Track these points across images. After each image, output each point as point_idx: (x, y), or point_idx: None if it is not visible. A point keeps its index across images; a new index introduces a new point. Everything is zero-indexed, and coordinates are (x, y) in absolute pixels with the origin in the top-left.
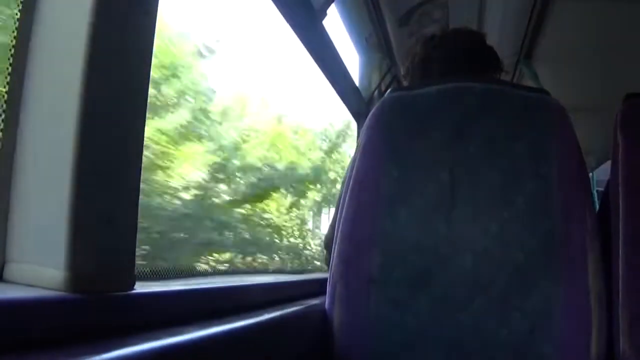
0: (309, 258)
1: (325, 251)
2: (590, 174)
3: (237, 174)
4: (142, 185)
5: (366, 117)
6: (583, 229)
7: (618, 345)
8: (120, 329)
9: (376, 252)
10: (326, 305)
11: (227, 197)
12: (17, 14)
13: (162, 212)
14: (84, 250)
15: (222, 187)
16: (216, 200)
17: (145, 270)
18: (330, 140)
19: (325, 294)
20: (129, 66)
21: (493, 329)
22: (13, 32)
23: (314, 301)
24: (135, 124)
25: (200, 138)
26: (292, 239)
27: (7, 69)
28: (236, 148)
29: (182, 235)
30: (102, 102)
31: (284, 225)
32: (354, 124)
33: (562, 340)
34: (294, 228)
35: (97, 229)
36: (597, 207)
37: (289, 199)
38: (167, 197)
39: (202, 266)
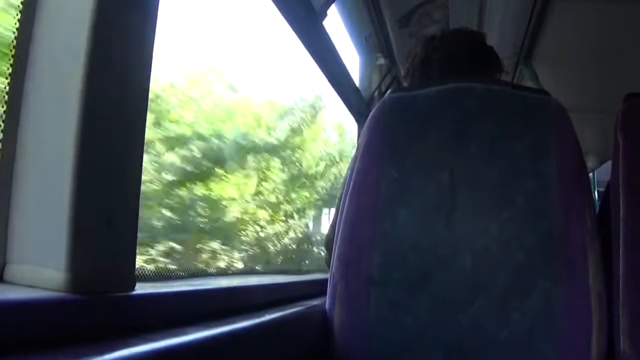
0: (273, 254)
1: (325, 252)
2: (591, 175)
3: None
4: None
5: (366, 117)
6: (583, 229)
7: (618, 345)
8: (120, 329)
9: (376, 253)
10: (326, 306)
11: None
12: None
13: None
14: (85, 252)
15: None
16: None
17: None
18: (300, 115)
19: (326, 294)
20: (129, 67)
21: (493, 330)
22: (13, 32)
23: (315, 302)
24: (135, 125)
25: None
26: (252, 230)
27: (8, 70)
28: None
29: None
30: (103, 103)
31: (245, 212)
32: (326, 96)
33: (562, 341)
34: (258, 215)
35: (97, 230)
36: (598, 207)
37: (252, 179)
38: None
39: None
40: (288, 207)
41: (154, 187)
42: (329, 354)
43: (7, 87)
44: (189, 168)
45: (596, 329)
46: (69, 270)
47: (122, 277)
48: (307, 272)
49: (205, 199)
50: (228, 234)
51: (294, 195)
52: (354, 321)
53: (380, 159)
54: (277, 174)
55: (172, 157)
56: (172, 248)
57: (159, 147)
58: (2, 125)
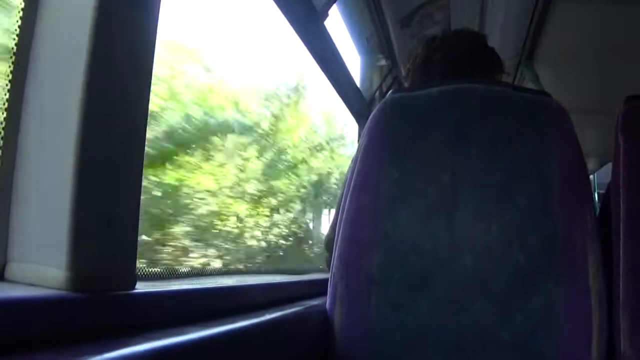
0: (256, 252)
1: (326, 252)
2: (591, 177)
3: None
4: None
5: (367, 118)
6: (584, 230)
7: (619, 346)
8: (121, 328)
9: (377, 253)
10: (327, 306)
11: None
12: (19, 12)
13: None
14: (85, 250)
15: None
16: None
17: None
18: (283, 99)
19: (326, 294)
20: (130, 68)
21: (494, 330)
22: (15, 31)
23: (315, 302)
24: (137, 124)
25: None
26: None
27: (9, 70)
28: None
29: None
30: (104, 103)
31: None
32: (311, 81)
33: (563, 341)
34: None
35: (98, 229)
36: (598, 209)
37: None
38: None
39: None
40: (270, 199)
41: None
42: (329, 353)
43: (9, 87)
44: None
45: (597, 329)
46: (70, 268)
47: (122, 276)
48: (300, 272)
49: (167, 185)
50: (200, 228)
51: (276, 185)
52: (354, 321)
53: (380, 159)
54: (255, 160)
55: None
56: None
57: None
58: (4, 124)
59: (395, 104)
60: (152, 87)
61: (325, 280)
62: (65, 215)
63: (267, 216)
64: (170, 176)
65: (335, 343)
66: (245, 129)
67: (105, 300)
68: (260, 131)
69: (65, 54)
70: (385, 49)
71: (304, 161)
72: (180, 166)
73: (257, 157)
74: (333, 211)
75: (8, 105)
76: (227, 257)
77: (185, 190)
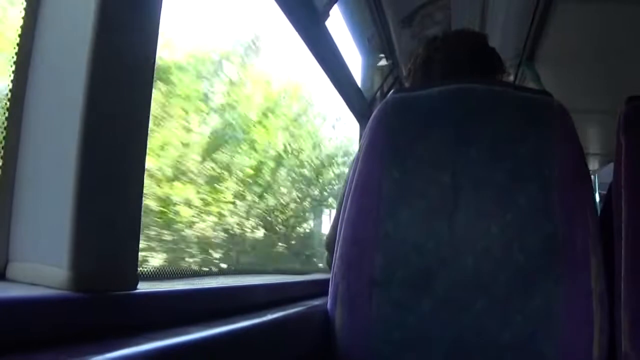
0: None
1: (327, 252)
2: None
3: None
4: None
5: (368, 118)
6: (585, 230)
7: (620, 346)
8: (122, 328)
9: (378, 253)
10: (328, 306)
11: None
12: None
13: None
14: (87, 250)
15: None
16: None
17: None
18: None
19: (327, 295)
20: (132, 68)
21: (495, 330)
22: (17, 30)
23: (316, 302)
24: (138, 124)
25: None
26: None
27: (10, 71)
28: None
29: None
30: (105, 103)
31: None
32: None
33: (564, 342)
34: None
35: (100, 228)
36: (599, 209)
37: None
38: None
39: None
40: (226, 182)
41: None
42: (331, 353)
43: (10, 86)
44: None
45: (598, 330)
46: (72, 268)
47: (124, 276)
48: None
49: None
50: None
51: (230, 162)
52: (355, 321)
53: (382, 159)
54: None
55: None
56: None
57: None
58: (5, 124)
59: (396, 104)
60: None
61: (327, 280)
62: (67, 214)
63: (222, 201)
64: None
65: (336, 343)
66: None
67: (106, 300)
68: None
69: (67, 56)
70: (386, 49)
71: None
72: None
73: (202, 122)
74: (333, 211)
75: (9, 105)
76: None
77: None
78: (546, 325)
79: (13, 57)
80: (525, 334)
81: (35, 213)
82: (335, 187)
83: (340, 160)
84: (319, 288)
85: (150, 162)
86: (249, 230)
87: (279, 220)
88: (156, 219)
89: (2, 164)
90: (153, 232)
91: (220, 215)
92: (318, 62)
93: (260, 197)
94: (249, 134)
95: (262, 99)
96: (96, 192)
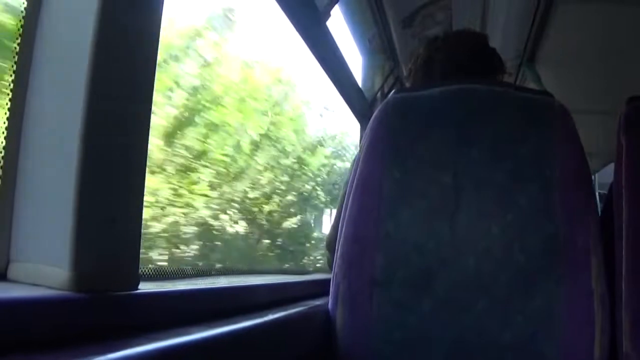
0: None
1: (327, 252)
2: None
3: None
4: None
5: (369, 118)
6: (586, 231)
7: (621, 347)
8: (124, 328)
9: (379, 253)
10: (329, 306)
11: None
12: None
13: None
14: (88, 250)
15: None
16: None
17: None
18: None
19: (328, 295)
20: (133, 67)
21: (495, 331)
22: (18, 29)
23: (317, 302)
24: (140, 124)
25: None
26: None
27: (11, 70)
28: None
29: None
30: (108, 101)
31: None
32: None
33: (565, 342)
34: None
35: (101, 229)
36: (600, 209)
37: None
38: None
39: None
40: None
41: None
42: (332, 353)
43: (12, 85)
44: None
45: (599, 330)
46: (73, 268)
47: (125, 276)
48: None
49: None
50: None
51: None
52: (356, 321)
53: (382, 159)
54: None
55: None
56: None
57: None
58: (6, 123)
59: (397, 104)
60: None
61: (327, 280)
62: (68, 215)
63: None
64: None
65: (337, 342)
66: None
67: (108, 301)
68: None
69: (68, 54)
70: (387, 49)
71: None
72: None
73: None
74: (334, 211)
75: (10, 105)
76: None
77: None
78: (547, 326)
79: (14, 57)
80: (526, 335)
81: (36, 213)
82: (321, 177)
83: (328, 151)
84: (319, 288)
85: None
86: (225, 224)
87: (260, 212)
88: None
89: (4, 164)
90: None
91: (188, 206)
92: (319, 62)
93: (236, 186)
94: (221, 117)
95: (237, 80)
96: (97, 192)
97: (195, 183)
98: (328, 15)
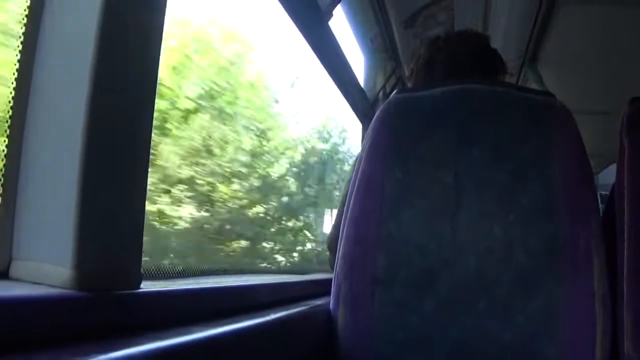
0: None
1: (329, 252)
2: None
3: None
4: None
5: (371, 118)
6: (588, 231)
7: (622, 348)
8: (126, 327)
9: (381, 253)
10: (330, 306)
11: None
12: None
13: None
14: (91, 248)
15: None
16: None
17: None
18: None
19: (329, 294)
20: (136, 65)
21: (497, 331)
22: (21, 28)
23: (318, 302)
24: (142, 122)
25: None
26: None
27: (15, 68)
28: None
29: None
30: (110, 99)
31: None
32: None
33: (566, 343)
34: None
35: (103, 227)
36: (602, 210)
37: None
38: None
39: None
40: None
41: None
42: (333, 353)
43: (14, 84)
44: None
45: (600, 331)
46: (75, 267)
47: (127, 275)
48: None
49: None
50: None
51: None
52: (358, 321)
53: (384, 159)
54: None
55: None
56: None
57: None
58: (9, 122)
59: (399, 104)
60: None
61: (329, 280)
62: (70, 213)
63: None
64: None
65: (338, 343)
66: None
67: (109, 300)
68: None
69: (71, 52)
70: (389, 49)
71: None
72: None
73: None
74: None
75: (13, 103)
76: None
77: None
78: (548, 326)
79: (17, 55)
80: (527, 335)
81: (38, 212)
82: (294, 158)
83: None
84: (321, 288)
85: None
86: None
87: (215, 196)
88: None
89: (6, 162)
90: None
91: None
92: (321, 61)
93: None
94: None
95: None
96: (99, 190)
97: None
98: (330, 15)
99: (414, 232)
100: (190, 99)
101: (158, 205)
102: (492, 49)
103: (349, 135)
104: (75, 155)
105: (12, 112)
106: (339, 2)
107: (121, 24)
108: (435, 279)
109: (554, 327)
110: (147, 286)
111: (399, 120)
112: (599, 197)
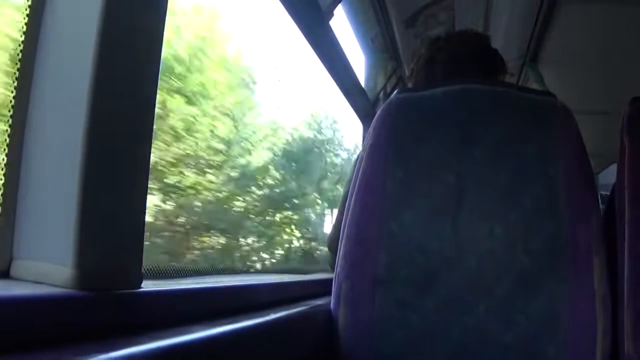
0: None
1: (329, 252)
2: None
3: None
4: None
5: (372, 118)
6: (589, 231)
7: (623, 348)
8: (126, 327)
9: (382, 253)
10: (331, 306)
11: None
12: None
13: None
14: (91, 248)
15: None
16: None
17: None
18: None
19: (330, 294)
20: (137, 66)
21: (498, 331)
22: (21, 28)
23: (319, 301)
24: (142, 122)
25: None
26: None
27: (15, 68)
28: None
29: None
30: (111, 99)
31: None
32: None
33: (567, 343)
34: None
35: (104, 227)
36: (602, 210)
37: None
38: None
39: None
40: None
41: None
42: (334, 353)
43: (15, 83)
44: None
45: (601, 332)
46: (76, 266)
47: (128, 274)
48: None
49: None
50: None
51: None
52: (358, 320)
53: (385, 159)
54: None
55: None
56: None
57: None
58: (10, 122)
59: (400, 104)
60: None
61: (329, 280)
62: (71, 213)
63: None
64: None
65: (339, 342)
66: None
67: (110, 299)
68: None
69: (72, 53)
70: (390, 49)
71: None
72: None
73: None
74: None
75: (14, 103)
76: None
77: None
78: (549, 327)
79: (18, 55)
80: (528, 335)
81: (39, 211)
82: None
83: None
84: (321, 287)
85: None
86: None
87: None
88: None
89: (7, 162)
90: None
91: None
92: (322, 61)
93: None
94: None
95: None
96: (100, 190)
97: None
98: (331, 14)
99: (415, 231)
100: None
101: None
102: (492, 48)
103: (339, 126)
104: (77, 155)
105: (13, 112)
106: (339, 2)
107: (122, 27)
108: (436, 279)
109: (555, 327)
110: (147, 286)
111: (400, 120)
112: (599, 197)
